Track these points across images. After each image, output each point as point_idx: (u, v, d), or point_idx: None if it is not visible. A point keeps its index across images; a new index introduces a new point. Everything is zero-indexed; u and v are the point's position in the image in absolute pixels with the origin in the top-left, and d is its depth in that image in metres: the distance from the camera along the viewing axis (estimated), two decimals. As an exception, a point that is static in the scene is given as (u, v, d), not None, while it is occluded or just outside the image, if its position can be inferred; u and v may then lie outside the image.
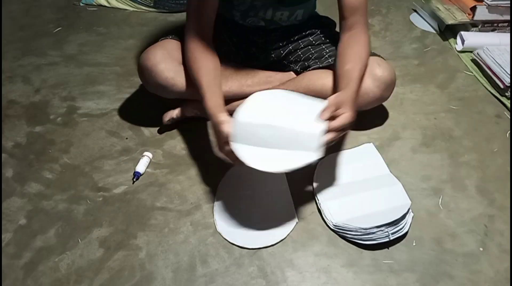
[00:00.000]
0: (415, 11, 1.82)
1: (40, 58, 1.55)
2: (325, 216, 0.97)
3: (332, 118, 0.85)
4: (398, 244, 0.93)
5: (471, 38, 1.54)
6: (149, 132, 1.22)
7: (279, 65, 1.22)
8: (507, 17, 1.60)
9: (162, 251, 0.92)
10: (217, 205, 1.00)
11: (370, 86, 1.08)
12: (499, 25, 1.62)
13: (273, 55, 1.22)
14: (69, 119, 1.28)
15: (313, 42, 1.20)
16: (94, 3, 1.90)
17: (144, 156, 1.12)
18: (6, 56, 1.56)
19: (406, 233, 0.93)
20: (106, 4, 1.89)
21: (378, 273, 0.88)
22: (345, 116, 0.86)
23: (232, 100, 1.16)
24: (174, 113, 1.19)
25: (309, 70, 1.17)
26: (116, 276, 0.87)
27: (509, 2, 1.56)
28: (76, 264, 0.90)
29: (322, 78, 1.11)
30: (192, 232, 0.96)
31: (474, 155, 1.15)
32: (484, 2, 1.56)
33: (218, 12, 1.07)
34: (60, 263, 0.90)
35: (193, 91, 1.04)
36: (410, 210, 0.95)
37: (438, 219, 0.98)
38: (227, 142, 0.87)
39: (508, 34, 1.55)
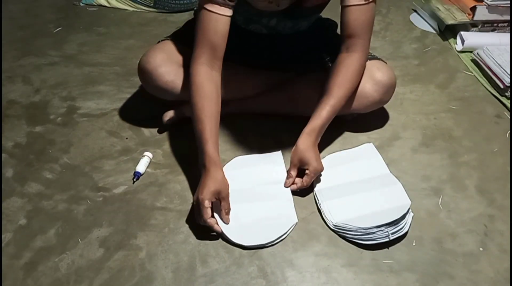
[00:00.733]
0: (415, 11, 1.82)
1: (40, 58, 1.55)
2: (325, 216, 0.97)
3: (298, 169, 1.00)
4: (398, 244, 0.92)
5: (471, 38, 1.55)
6: (149, 132, 1.22)
7: (280, 66, 1.22)
8: (507, 17, 1.60)
9: (162, 251, 0.92)
10: (217, 205, 1.00)
11: (370, 90, 1.08)
12: (499, 25, 1.63)
13: (274, 57, 1.22)
14: (69, 119, 1.28)
15: (314, 44, 1.20)
16: (94, 3, 1.90)
17: (144, 156, 1.12)
18: (6, 56, 1.56)
19: (406, 233, 0.93)
20: (106, 4, 1.89)
21: (378, 273, 0.87)
22: (310, 176, 0.98)
23: (231, 102, 1.16)
24: (174, 113, 1.19)
25: (309, 71, 1.17)
26: (116, 276, 0.87)
27: (509, 2, 1.56)
28: (76, 264, 0.89)
29: (311, 87, 1.11)
30: (192, 232, 0.96)
31: (474, 155, 1.15)
32: (484, 2, 1.57)
33: None
34: (60, 263, 0.90)
35: None
36: (410, 210, 0.95)
37: (438, 219, 0.98)
38: (206, 218, 0.90)
39: (508, 34, 1.56)
